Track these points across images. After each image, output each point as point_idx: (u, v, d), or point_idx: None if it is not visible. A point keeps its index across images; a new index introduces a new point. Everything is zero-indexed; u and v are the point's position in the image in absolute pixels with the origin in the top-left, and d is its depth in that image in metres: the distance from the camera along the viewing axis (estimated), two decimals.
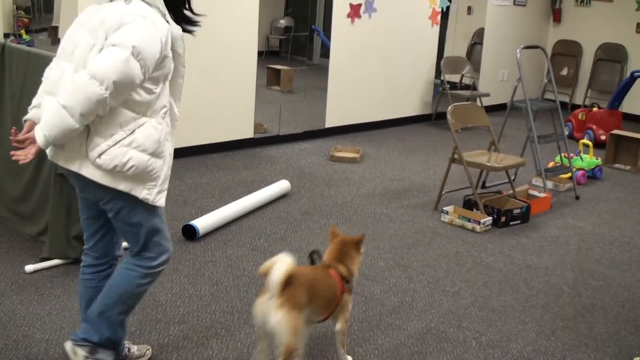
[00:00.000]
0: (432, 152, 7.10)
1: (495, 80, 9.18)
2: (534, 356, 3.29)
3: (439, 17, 8.23)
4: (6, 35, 5.99)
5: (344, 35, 7.33)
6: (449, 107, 5.27)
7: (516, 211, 5.06)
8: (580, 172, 6.21)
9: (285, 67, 8.63)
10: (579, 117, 7.91)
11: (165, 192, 2.65)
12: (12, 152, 2.47)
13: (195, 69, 5.62)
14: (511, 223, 5.04)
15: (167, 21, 2.52)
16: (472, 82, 8.90)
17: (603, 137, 7.44)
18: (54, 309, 3.42)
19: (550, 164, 6.26)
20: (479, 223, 4.84)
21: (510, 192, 5.38)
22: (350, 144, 7.09)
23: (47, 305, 3.44)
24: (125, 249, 2.83)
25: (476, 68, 9.01)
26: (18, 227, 4.27)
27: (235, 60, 6.43)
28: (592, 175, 6.42)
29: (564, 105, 8.37)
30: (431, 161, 6.72)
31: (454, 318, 3.61)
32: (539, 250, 4.62)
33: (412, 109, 8.34)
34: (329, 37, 7.41)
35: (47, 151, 2.55)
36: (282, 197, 5.33)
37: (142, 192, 2.55)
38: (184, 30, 2.64)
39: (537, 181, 5.99)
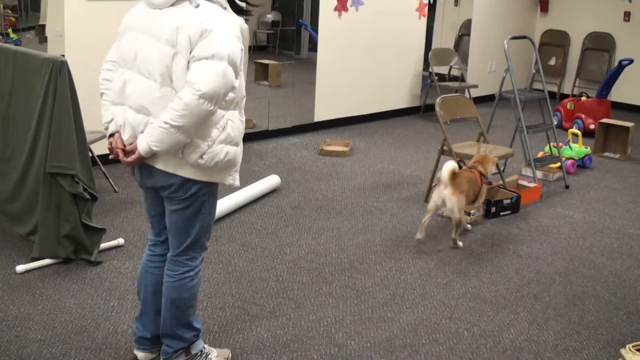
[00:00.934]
0: (421, 144, 7.11)
1: (484, 71, 9.18)
2: (526, 345, 3.31)
3: (426, 9, 8.22)
4: None
5: (332, 29, 7.32)
6: (438, 99, 5.28)
7: (506, 201, 5.08)
8: (570, 161, 6.23)
9: (273, 62, 8.62)
10: (568, 106, 7.92)
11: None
12: (115, 151, 2.61)
13: None
14: (501, 213, 5.05)
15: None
16: (460, 73, 8.90)
17: (592, 126, 7.44)
18: (46, 308, 3.41)
19: (540, 154, 6.27)
20: (469, 214, 4.85)
21: (500, 182, 5.40)
22: (339, 138, 7.09)
23: (39, 305, 3.43)
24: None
25: (464, 59, 9.00)
26: (8, 228, 4.25)
27: None
28: (582, 164, 6.44)
29: (552, 95, 8.39)
30: (420, 153, 6.73)
31: (446, 309, 3.63)
32: (529, 240, 4.64)
33: (400, 102, 8.34)
34: (316, 30, 7.39)
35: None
36: (273, 192, 5.32)
37: (228, 179, 2.69)
38: None
39: (527, 171, 6.00)
